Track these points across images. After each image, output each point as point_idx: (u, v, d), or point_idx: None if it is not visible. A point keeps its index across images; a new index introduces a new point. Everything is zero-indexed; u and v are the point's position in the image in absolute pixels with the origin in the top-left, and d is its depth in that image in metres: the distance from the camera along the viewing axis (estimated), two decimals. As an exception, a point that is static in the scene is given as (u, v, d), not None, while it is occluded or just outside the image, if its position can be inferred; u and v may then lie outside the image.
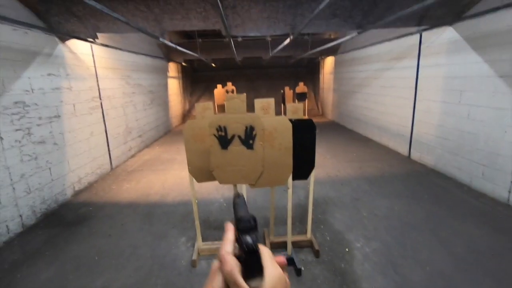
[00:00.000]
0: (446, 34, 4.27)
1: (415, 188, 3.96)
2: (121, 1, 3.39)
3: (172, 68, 9.86)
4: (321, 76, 11.62)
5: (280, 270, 0.44)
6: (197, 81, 12.93)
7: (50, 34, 3.67)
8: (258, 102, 2.24)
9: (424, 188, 3.96)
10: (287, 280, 0.45)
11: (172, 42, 8.70)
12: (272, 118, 2.23)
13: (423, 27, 4.48)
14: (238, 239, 0.45)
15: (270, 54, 8.06)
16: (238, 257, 0.43)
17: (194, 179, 2.46)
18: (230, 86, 10.51)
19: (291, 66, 12.46)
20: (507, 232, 2.82)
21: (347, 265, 2.43)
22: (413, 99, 5.18)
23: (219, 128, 2.19)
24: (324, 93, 11.32)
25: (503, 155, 3.41)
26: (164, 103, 8.68)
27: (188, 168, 2.43)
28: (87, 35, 4.04)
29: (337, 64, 9.48)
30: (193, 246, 2.72)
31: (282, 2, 3.56)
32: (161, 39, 3.76)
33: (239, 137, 2.20)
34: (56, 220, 3.35)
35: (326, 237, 2.88)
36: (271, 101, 2.24)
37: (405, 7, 3.31)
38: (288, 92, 10.63)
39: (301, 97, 10.46)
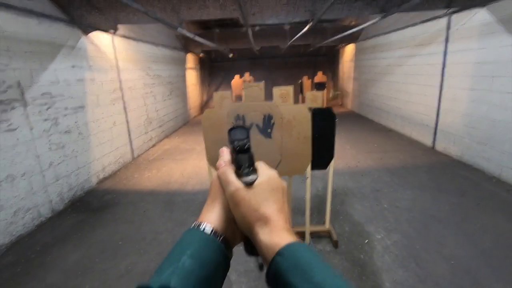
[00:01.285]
0: (478, 16, 3.99)
1: (440, 180, 3.80)
2: (140, -8, 3.41)
3: (190, 60, 9.92)
4: (340, 65, 11.30)
5: (275, 172, 0.45)
6: (215, 71, 12.95)
7: (73, 27, 3.77)
8: (277, 90, 2.20)
9: (450, 180, 3.80)
10: (284, 183, 0.45)
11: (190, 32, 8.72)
12: (291, 107, 2.19)
13: (452, 10, 4.21)
14: (234, 158, 0.46)
15: (288, 43, 7.91)
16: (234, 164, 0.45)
17: (212, 168, 2.49)
18: (247, 76, 10.46)
19: (310, 54, 12.17)
20: (541, 227, 2.66)
21: (366, 257, 2.39)
22: (439, 87, 4.92)
23: (238, 117, 2.18)
24: (344, 82, 11.02)
25: (538, 145, 3.19)
26: (183, 94, 8.79)
27: (207, 157, 2.45)
28: (108, 27, 4.12)
29: (357, 52, 9.16)
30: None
31: (301, -13, 3.45)
32: (179, 29, 3.76)
33: (257, 126, 2.18)
34: (83, 207, 3.52)
35: (345, 228, 2.84)
36: (290, 89, 2.20)
37: (433, -13, 3.11)
38: (306, 81, 10.44)
39: (320, 86, 10.24)
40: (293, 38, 7.23)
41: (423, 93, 5.45)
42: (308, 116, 2.19)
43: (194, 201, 3.50)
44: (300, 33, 5.85)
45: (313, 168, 2.56)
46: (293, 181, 2.76)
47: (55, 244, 2.74)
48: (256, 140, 2.20)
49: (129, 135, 5.17)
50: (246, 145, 0.45)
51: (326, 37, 7.88)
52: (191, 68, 10.01)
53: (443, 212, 3.01)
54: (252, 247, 0.42)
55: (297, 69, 12.42)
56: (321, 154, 2.54)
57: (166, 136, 7.08)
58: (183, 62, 8.96)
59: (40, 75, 3.19)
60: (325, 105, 11.35)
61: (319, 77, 10.22)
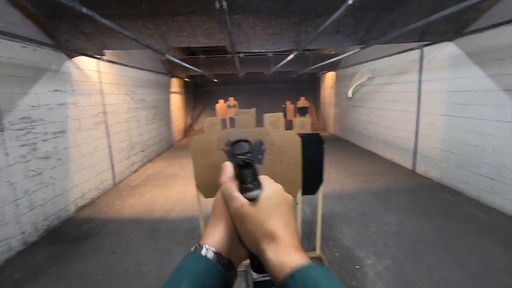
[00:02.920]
0: (448, 49, 4.33)
1: (423, 203, 3.90)
2: (130, 19, 3.47)
3: (175, 84, 9.98)
4: (322, 91, 11.74)
5: (280, 186, 0.44)
6: (200, 96, 13.06)
7: (58, 51, 3.72)
8: (268, 117, 2.24)
9: (432, 202, 3.90)
10: (289, 196, 0.44)
11: (175, 58, 8.84)
12: (282, 133, 2.21)
13: (424, 43, 4.56)
14: (238, 173, 0.44)
15: (272, 70, 8.18)
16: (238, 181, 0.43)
17: (201, 195, 2.44)
18: (232, 101, 10.61)
19: (292, 81, 12.60)
20: (522, 248, 2.75)
21: (359, 284, 2.36)
22: (416, 113, 5.20)
23: (228, 143, 2.18)
24: (325, 108, 11.40)
25: (511, 168, 3.38)
26: (167, 118, 8.73)
27: (196, 184, 2.40)
28: (95, 52, 4.10)
29: (338, 79, 9.59)
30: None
31: (286, 19, 3.64)
32: (166, 55, 3.81)
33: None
34: (59, 237, 3.28)
35: (335, 253, 2.81)
36: (280, 115, 2.24)
37: (408, 23, 3.37)
38: (289, 106, 10.72)
39: (302, 111, 10.53)
40: (277, 65, 7.49)
41: (401, 119, 5.72)
42: (299, 141, 2.21)
43: (180, 229, 3.36)
44: (285, 61, 6.08)
45: (303, 193, 2.57)
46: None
47: (27, 279, 2.51)
48: (247, 166, 2.19)
49: (111, 160, 5.01)
50: (249, 159, 0.44)
51: (308, 65, 8.24)
52: (175, 92, 10.04)
53: (429, 235, 3.07)
54: (259, 265, 0.40)
55: (280, 94, 12.76)
56: (311, 180, 2.56)
57: (150, 161, 6.91)
58: (167, 86, 8.99)
59: (21, 99, 3.09)
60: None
61: (302, 102, 10.54)
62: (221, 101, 10.71)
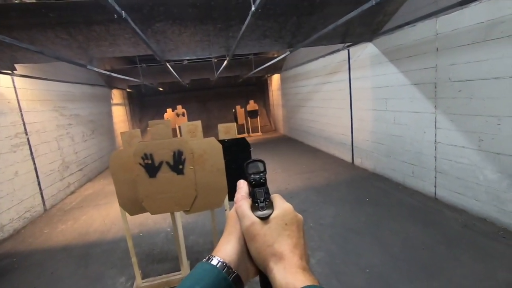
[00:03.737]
0: (368, 49, 4.71)
1: (358, 193, 4.17)
2: (39, 30, 3.18)
3: (117, 95, 9.45)
4: (270, 93, 12.02)
5: (290, 205, 0.45)
6: (146, 106, 12.54)
7: (-45, 67, 3.29)
8: (185, 126, 2.20)
9: (366, 191, 4.19)
10: (299, 216, 0.45)
11: (113, 69, 8.39)
12: (201, 141, 2.20)
13: (347, 44, 4.90)
14: (250, 192, 0.46)
15: (216, 75, 8.16)
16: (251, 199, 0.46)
17: (126, 213, 2.32)
18: (180, 109, 10.37)
19: (241, 85, 12.72)
20: (436, 225, 3.07)
21: (293, 280, 2.41)
22: (349, 109, 5.56)
23: (145, 156, 2.10)
24: (274, 109, 11.68)
25: (426, 154, 3.77)
26: (109, 132, 8.21)
27: (119, 202, 2.28)
28: (4, 67, 3.70)
29: (282, 81, 9.90)
30: (133, 286, 2.50)
31: (212, 25, 3.64)
32: (88, 67, 3.57)
33: (168, 163, 2.12)
34: (-32, 280, 2.87)
35: (274, 254, 2.85)
36: (197, 124, 2.22)
37: (326, 26, 3.59)
38: (239, 110, 10.79)
39: (252, 114, 10.67)
40: (219, 70, 7.49)
41: (338, 116, 6.08)
42: (219, 148, 2.22)
43: (116, 250, 3.16)
44: (222, 67, 6.09)
45: (233, 199, 2.57)
46: (219, 214, 2.73)
47: None
48: (168, 177, 2.13)
49: (39, 184, 4.54)
50: (262, 179, 0.46)
51: (251, 68, 8.37)
52: (118, 104, 9.51)
53: (360, 223, 3.28)
54: (268, 283, 0.40)
55: (230, 99, 12.79)
56: (240, 184, 2.57)
57: (89, 180, 6.41)
58: (107, 98, 8.47)
59: None
60: (260, 133, 11.57)
61: (251, 105, 10.68)
62: (169, 110, 10.41)
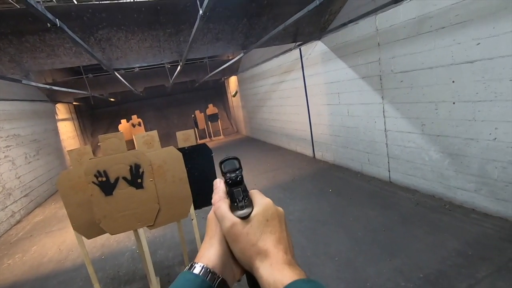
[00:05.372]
0: (318, 47, 4.92)
1: (321, 185, 4.33)
2: (-42, 44, 2.81)
3: (62, 110, 8.71)
4: (229, 96, 11.98)
5: (269, 200, 0.44)
6: (98, 119, 11.75)
7: None
8: (139, 138, 2.10)
9: (328, 183, 4.37)
10: (279, 209, 0.44)
11: (55, 81, 7.72)
12: (159, 151, 2.11)
13: (298, 43, 5.07)
14: (228, 191, 0.44)
15: (171, 81, 7.92)
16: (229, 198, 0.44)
17: (83, 237, 2.14)
18: (135, 119, 9.89)
19: (199, 89, 12.51)
20: (392, 207, 3.31)
21: (267, 280, 2.43)
22: (306, 106, 5.76)
23: (98, 174, 1.95)
24: (234, 111, 11.68)
25: (378, 141, 4.04)
26: (57, 150, 7.52)
27: (72, 226, 2.10)
28: None
29: (240, 82, 9.93)
30: (98, 313, 2.32)
31: (161, 31, 3.52)
32: (24, 82, 3.24)
33: (125, 178, 2.00)
34: None
35: (246, 256, 2.84)
36: (153, 134, 2.13)
37: (277, 26, 3.68)
38: (199, 115, 10.60)
39: (213, 118, 10.55)
40: (173, 76, 7.28)
41: (296, 112, 6.26)
42: (179, 156, 2.15)
43: (76, 279, 2.90)
44: (176, 72, 5.93)
45: (199, 207, 2.51)
46: (185, 224, 2.64)
47: None
48: (127, 193, 2.00)
49: (-24, 217, 4.00)
50: (239, 177, 0.44)
51: (207, 72, 8.27)
52: (64, 119, 8.77)
53: (326, 214, 3.41)
54: (256, 282, 0.39)
55: (188, 105, 12.52)
56: (206, 191, 2.51)
57: (38, 205, 5.82)
58: (51, 114, 7.77)
59: None
60: (223, 136, 11.44)
61: (211, 109, 10.55)
62: (123, 121, 9.88)
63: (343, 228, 3.04)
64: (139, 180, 2.03)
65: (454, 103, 2.92)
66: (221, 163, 0.47)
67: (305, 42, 4.92)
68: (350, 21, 3.62)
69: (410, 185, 3.68)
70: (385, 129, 3.86)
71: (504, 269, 2.07)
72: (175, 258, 2.99)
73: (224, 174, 0.46)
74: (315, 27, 4.54)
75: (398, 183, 3.86)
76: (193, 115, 10.83)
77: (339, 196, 3.84)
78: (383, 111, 3.82)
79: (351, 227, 3.03)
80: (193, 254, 2.86)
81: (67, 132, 8.79)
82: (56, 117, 8.07)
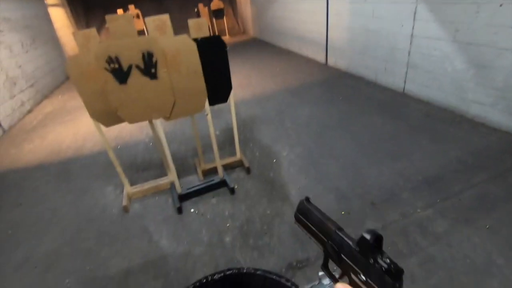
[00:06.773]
0: None
1: (331, 92, 4.25)
2: None
3: (49, -7, 7.75)
4: (235, -13, 10.53)
5: None
6: (92, 8, 10.62)
7: None
8: (150, 21, 1.88)
9: (339, 90, 4.28)
10: None
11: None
12: (172, 39, 1.94)
13: None
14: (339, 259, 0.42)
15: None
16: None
17: (101, 125, 2.18)
18: (133, 9, 8.96)
19: (201, -23, 10.87)
20: (402, 117, 3.32)
21: (275, 174, 2.63)
22: (326, 3, 5.10)
23: (110, 60, 1.84)
24: (242, 8, 10.49)
25: (400, 48, 3.75)
26: (52, 39, 7.05)
27: (89, 114, 2.10)
28: None
29: (250, -30, 8.56)
30: (123, 192, 2.59)
31: None
32: None
33: (138, 67, 1.90)
34: None
35: (255, 153, 3.01)
36: (165, 18, 1.90)
37: None
38: (203, 9, 9.57)
39: (218, 14, 9.56)
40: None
41: (313, 11, 5.60)
42: (194, 47, 1.99)
43: (96, 164, 3.14)
44: None
45: (212, 103, 2.49)
46: (199, 118, 2.68)
47: None
48: (141, 83, 1.94)
49: (-14, 103, 4.05)
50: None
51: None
52: (54, 5, 7.91)
53: (334, 120, 3.45)
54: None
55: (190, -4, 11.12)
56: (218, 87, 2.45)
57: (45, 97, 5.83)
58: (39, -3, 6.94)
59: None
60: (227, 35, 10.63)
61: (216, 3, 9.45)
62: (120, 11, 8.96)
63: (350, 133, 3.12)
64: (153, 70, 1.93)
65: (501, 5, 2.55)
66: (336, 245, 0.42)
67: None
68: None
69: (424, 97, 3.60)
70: (412, 34, 3.52)
71: (500, 177, 2.21)
72: (187, 151, 3.17)
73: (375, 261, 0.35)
74: None
75: (411, 94, 3.77)
76: (196, 9, 9.75)
77: (349, 104, 3.81)
78: (415, 13, 3.40)
79: (358, 133, 3.10)
80: (206, 148, 3.01)
81: (60, 20, 8.06)
82: (45, 1, 7.23)
